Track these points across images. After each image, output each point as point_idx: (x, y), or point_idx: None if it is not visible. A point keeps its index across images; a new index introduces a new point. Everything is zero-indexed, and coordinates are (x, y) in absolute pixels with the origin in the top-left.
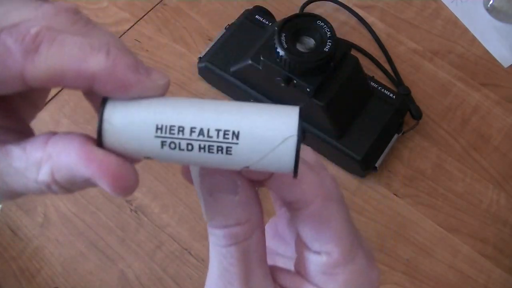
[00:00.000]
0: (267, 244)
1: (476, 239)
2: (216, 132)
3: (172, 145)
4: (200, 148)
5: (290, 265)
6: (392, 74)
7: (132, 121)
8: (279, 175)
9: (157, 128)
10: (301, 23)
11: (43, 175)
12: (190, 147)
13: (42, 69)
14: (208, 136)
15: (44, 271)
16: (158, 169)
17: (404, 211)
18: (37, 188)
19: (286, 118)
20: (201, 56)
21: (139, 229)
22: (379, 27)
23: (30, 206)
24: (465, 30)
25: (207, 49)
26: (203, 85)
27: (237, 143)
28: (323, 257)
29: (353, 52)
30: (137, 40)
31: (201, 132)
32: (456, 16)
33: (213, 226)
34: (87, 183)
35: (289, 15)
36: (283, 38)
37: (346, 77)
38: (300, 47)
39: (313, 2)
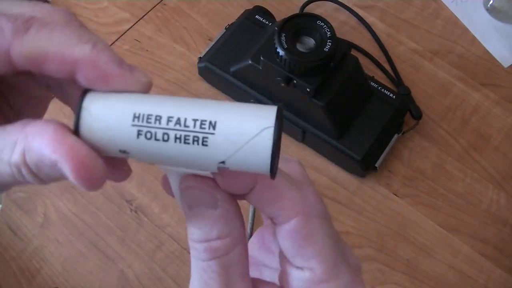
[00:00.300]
0: (253, 254)
1: (476, 239)
2: (193, 122)
3: (148, 135)
4: (176, 138)
5: (276, 277)
6: (392, 74)
7: (111, 110)
8: (259, 189)
9: (134, 117)
10: (301, 23)
11: (15, 154)
12: (166, 136)
13: (28, 48)
14: (185, 125)
15: (44, 271)
16: (158, 169)
17: (404, 211)
18: (9, 174)
19: (264, 112)
20: (201, 56)
21: (139, 229)
22: (379, 27)
23: (30, 206)
24: (465, 30)
25: (207, 49)
26: (203, 85)
27: (213, 133)
28: (306, 273)
29: (353, 52)
30: (137, 40)
31: (178, 121)
32: (456, 16)
33: (193, 240)
34: (54, 171)
35: (289, 15)
36: (283, 38)
37: (346, 77)
38: (300, 47)
39: (313, 2)
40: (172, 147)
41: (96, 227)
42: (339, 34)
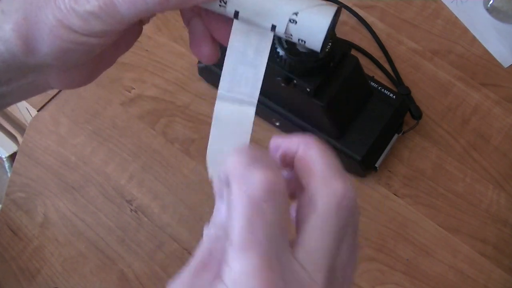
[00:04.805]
0: None
1: (476, 239)
2: None
3: None
4: None
5: None
6: (392, 74)
7: None
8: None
9: None
10: None
11: None
12: None
13: None
14: None
15: (44, 271)
16: (158, 169)
17: (404, 211)
18: None
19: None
20: None
21: (139, 229)
22: (379, 27)
23: (30, 206)
24: (465, 30)
25: None
26: (203, 85)
27: None
28: None
29: (353, 52)
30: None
31: None
32: (456, 16)
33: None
34: None
35: None
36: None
37: (346, 77)
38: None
39: None
40: None
41: (96, 227)
42: (339, 34)
